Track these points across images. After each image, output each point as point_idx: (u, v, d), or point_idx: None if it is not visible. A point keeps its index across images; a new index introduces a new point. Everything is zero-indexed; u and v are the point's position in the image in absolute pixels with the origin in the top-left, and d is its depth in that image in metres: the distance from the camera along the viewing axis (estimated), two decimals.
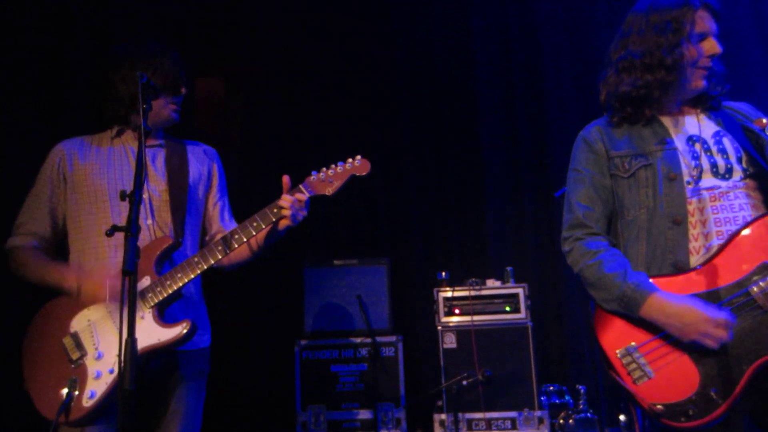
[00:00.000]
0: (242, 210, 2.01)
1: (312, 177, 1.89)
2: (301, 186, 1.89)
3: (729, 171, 1.54)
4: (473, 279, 3.45)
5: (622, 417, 2.87)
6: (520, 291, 3.38)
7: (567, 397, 3.18)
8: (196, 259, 1.83)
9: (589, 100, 3.87)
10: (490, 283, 3.45)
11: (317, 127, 3.99)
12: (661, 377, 1.41)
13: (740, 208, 1.50)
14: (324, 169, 1.90)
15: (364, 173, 1.89)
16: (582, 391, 3.07)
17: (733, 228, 1.48)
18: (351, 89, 4.01)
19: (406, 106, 4.06)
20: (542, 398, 3.16)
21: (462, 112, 4.04)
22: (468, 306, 3.37)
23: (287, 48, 4.00)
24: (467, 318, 3.33)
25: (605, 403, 2.79)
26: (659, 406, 1.39)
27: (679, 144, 1.59)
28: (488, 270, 3.67)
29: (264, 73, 4.02)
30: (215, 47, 3.96)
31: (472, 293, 3.39)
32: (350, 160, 1.90)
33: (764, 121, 1.59)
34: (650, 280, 1.48)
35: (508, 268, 3.48)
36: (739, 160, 1.56)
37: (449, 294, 3.39)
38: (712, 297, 1.43)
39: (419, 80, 4.07)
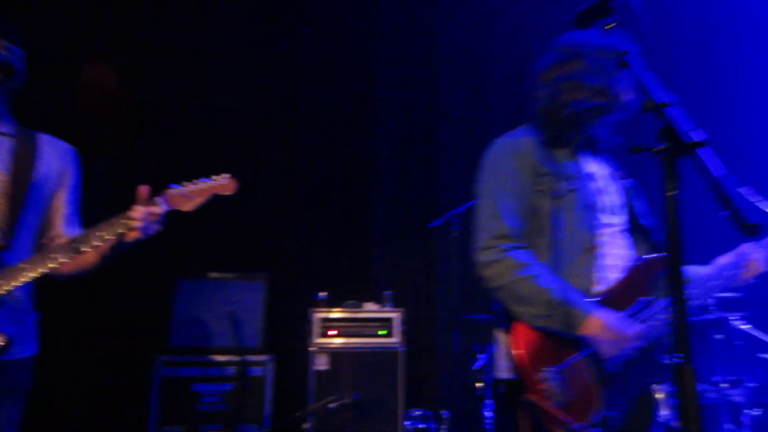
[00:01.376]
0: (124, 208, 1.85)
1: (171, 190, 1.79)
2: (157, 198, 1.77)
3: (617, 212, 1.68)
4: (351, 301, 3.46)
5: None
6: (396, 315, 3.43)
7: (430, 422, 3.25)
8: (24, 266, 1.67)
9: (479, 139, 4.08)
10: (368, 306, 3.47)
11: (209, 130, 3.87)
12: (574, 400, 1.45)
13: (627, 247, 1.67)
14: (187, 183, 1.82)
15: (227, 193, 1.82)
16: (445, 416, 3.15)
17: (626, 264, 1.62)
18: (249, 97, 3.94)
19: (300, 121, 4.03)
20: (407, 423, 3.20)
21: (356, 135, 4.08)
22: (343, 328, 3.37)
23: (188, 43, 3.86)
24: (341, 340, 3.33)
25: (464, 426, 2.88)
26: (574, 428, 1.42)
27: (588, 177, 1.68)
28: (370, 293, 3.69)
29: (159, 66, 3.84)
30: (107, 33, 3.74)
31: (348, 315, 3.40)
32: (216, 177, 1.83)
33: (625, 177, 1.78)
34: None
35: (387, 293, 3.52)
36: (621, 205, 1.71)
37: (325, 315, 3.37)
38: None
39: (316, 95, 4.06)
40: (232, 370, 3.17)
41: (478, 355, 3.02)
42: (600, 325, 1.46)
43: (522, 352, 1.48)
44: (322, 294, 3.42)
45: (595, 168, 1.72)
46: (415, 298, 3.82)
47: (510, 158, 1.62)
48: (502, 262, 1.52)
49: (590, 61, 1.61)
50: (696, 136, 1.00)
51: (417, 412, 3.34)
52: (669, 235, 1.04)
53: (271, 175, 3.84)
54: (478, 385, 3.00)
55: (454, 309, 3.22)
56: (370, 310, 3.45)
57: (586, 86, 1.59)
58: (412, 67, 4.15)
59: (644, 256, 1.67)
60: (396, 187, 4.04)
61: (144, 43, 3.83)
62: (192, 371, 3.16)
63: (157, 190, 1.79)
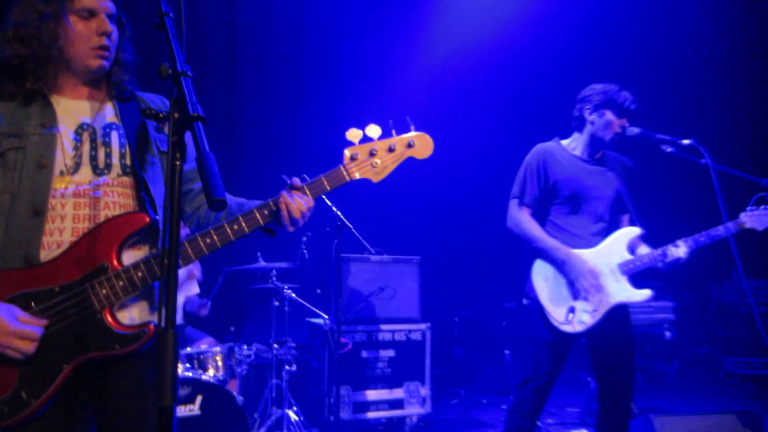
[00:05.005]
0: None
1: None
2: None
3: (108, 166, 1.46)
4: None
5: None
6: None
7: None
8: None
9: None
10: None
11: None
12: None
13: (105, 206, 1.44)
14: None
15: None
16: None
17: (91, 226, 1.42)
18: None
19: None
20: None
21: None
22: None
23: None
24: None
25: None
26: None
27: (65, 130, 1.45)
28: None
29: None
30: None
31: None
32: None
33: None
34: None
35: None
36: (122, 156, 1.48)
37: None
38: (47, 295, 1.37)
39: None
40: None
41: None
42: None
43: None
44: None
45: (99, 115, 1.50)
46: None
47: None
48: None
49: (24, 5, 1.43)
50: (198, 110, 1.04)
51: None
52: (167, 202, 1.05)
53: None
54: None
55: None
56: None
57: (10, 33, 1.43)
58: None
59: (115, 215, 1.44)
60: None
61: None
62: None
63: None
